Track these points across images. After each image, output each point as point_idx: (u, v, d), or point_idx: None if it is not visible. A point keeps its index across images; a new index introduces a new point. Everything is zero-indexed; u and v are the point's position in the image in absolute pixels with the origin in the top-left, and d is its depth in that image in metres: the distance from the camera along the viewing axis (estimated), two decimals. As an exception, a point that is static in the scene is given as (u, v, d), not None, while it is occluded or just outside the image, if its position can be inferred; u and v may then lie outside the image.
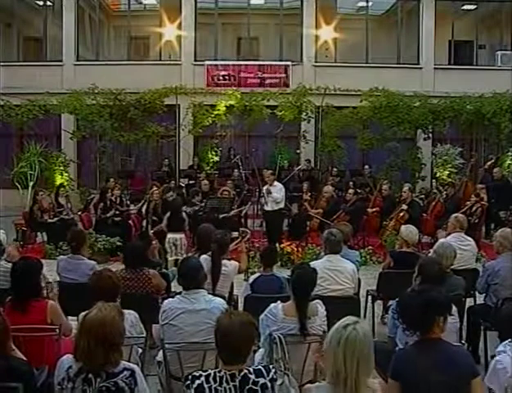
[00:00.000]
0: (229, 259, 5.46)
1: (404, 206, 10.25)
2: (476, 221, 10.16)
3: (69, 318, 4.43)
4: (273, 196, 10.09)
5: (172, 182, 12.57)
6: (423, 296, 3.13)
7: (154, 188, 10.95)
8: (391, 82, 15.05)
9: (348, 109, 15.12)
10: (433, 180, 13.70)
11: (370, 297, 6.27)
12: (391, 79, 15.29)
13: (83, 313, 2.95)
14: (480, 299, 5.77)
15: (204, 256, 5.11)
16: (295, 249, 9.29)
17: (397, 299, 3.75)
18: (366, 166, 14.67)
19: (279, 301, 3.99)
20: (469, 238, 6.48)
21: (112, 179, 12.19)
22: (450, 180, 13.50)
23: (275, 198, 10.10)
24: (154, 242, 6.59)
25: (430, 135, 15.35)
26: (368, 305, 6.24)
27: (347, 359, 2.57)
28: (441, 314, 3.10)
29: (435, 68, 16.91)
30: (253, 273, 5.96)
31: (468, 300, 5.69)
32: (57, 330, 3.90)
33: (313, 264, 5.21)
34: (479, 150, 16.15)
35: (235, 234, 6.53)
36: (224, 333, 2.80)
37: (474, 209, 10.23)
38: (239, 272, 5.59)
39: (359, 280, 5.48)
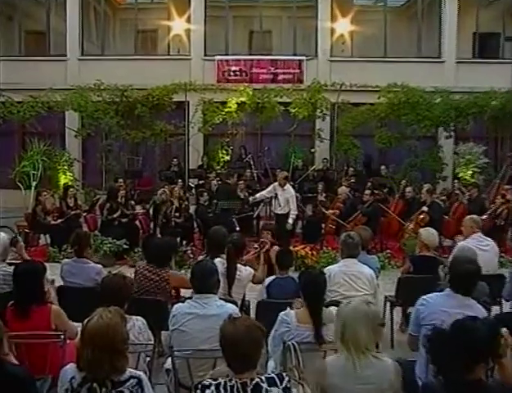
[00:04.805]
0: (244, 265, 5.48)
1: (424, 208, 10.20)
2: (502, 223, 10.10)
3: (74, 324, 4.45)
4: (289, 222, 10.13)
5: (180, 181, 12.57)
6: (462, 336, 2.75)
7: (174, 186, 11.02)
8: (411, 77, 14.97)
9: (364, 106, 15.07)
10: (455, 181, 13.58)
11: (388, 304, 6.24)
12: (411, 74, 15.21)
13: (86, 320, 2.95)
14: (507, 307, 5.71)
15: (218, 259, 5.13)
16: (310, 252, 9.27)
17: (433, 326, 3.46)
18: (383, 167, 14.60)
19: (289, 308, 4.00)
20: (489, 239, 6.43)
21: (121, 180, 12.27)
22: (473, 181, 13.41)
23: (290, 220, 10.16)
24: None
25: (452, 133, 15.23)
26: (386, 312, 6.21)
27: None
28: (484, 360, 2.74)
29: (458, 62, 16.78)
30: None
31: (494, 307, 5.60)
32: (62, 336, 3.92)
33: (329, 268, 5.23)
34: (505, 148, 16.03)
35: (256, 245, 6.56)
36: (230, 341, 2.78)
37: (500, 211, 10.17)
38: (254, 281, 5.58)
39: (378, 285, 5.44)
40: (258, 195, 10.73)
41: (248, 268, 5.45)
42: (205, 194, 11.28)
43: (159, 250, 5.36)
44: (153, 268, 5.19)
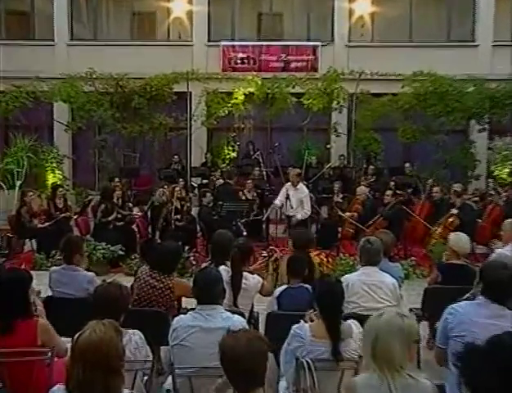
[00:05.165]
0: (251, 273, 5.50)
1: (454, 210, 10.18)
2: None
3: (63, 339, 4.46)
4: (298, 217, 10.15)
5: (182, 181, 12.62)
6: (500, 354, 2.56)
7: (175, 186, 11.08)
8: (439, 64, 14.96)
9: (386, 96, 15.07)
10: (490, 180, 13.53)
11: (413, 317, 6.23)
12: (439, 61, 15.19)
13: (77, 335, 2.93)
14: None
15: (223, 267, 5.16)
16: (325, 259, 9.26)
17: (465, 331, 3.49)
18: (407, 164, 14.57)
19: (302, 321, 4.00)
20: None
21: (117, 179, 12.32)
22: (510, 180, 13.35)
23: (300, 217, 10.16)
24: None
25: (486, 126, 15.17)
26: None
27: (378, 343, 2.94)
28: None
29: (494, 46, 16.62)
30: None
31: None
32: (49, 353, 3.92)
33: (347, 277, 5.24)
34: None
35: (264, 253, 6.58)
36: (231, 357, 2.79)
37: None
38: (263, 293, 5.59)
39: (401, 296, 5.45)
40: (277, 201, 10.70)
41: (256, 276, 5.47)
42: (209, 194, 11.33)
43: (166, 255, 5.39)
44: (157, 275, 5.22)
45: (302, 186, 10.42)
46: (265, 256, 6.35)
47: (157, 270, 5.26)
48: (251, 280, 5.32)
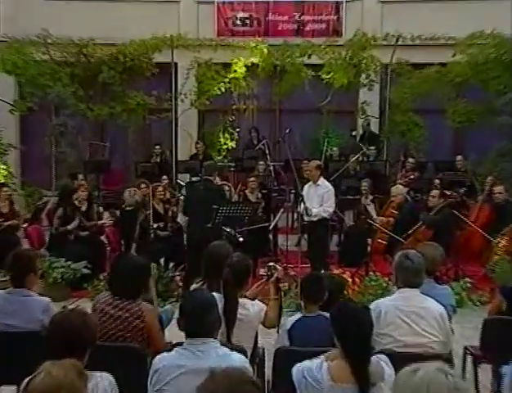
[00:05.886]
0: (251, 299, 5.49)
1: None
2: None
3: (2, 388, 4.45)
4: (313, 212, 10.13)
5: (165, 178, 12.64)
6: None
7: (156, 185, 11.17)
8: (505, 22, 14.85)
9: (432, 67, 15.10)
10: None
11: (469, 358, 6.20)
12: (505, 18, 15.08)
13: (27, 380, 2.92)
14: None
15: (216, 294, 5.13)
16: (350, 279, 9.30)
17: None
18: (459, 157, 14.52)
19: (322, 357, 3.99)
20: None
21: (81, 176, 12.33)
22: None
23: (315, 214, 10.14)
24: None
25: None
26: (467, 370, 6.18)
27: None
28: None
29: None
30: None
31: None
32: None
33: (378, 303, 5.22)
34: None
35: (262, 270, 6.57)
36: None
37: None
38: (266, 324, 5.59)
39: (452, 330, 5.43)
40: (310, 207, 10.59)
41: (257, 303, 5.45)
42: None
43: (127, 274, 5.32)
44: (119, 303, 5.16)
45: (323, 181, 10.41)
46: (264, 275, 6.30)
47: (119, 296, 5.21)
48: (251, 308, 5.29)
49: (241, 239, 9.33)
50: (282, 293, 8.59)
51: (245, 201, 11.69)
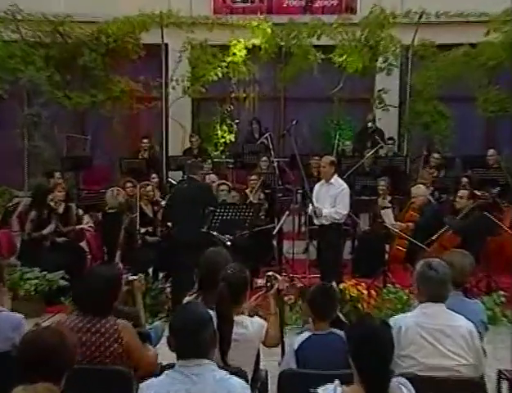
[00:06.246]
0: (251, 315, 5.47)
1: None
2: None
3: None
4: (324, 212, 10.12)
5: (155, 177, 12.64)
6: None
7: (145, 184, 11.25)
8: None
9: (461, 49, 15.04)
10: None
11: (505, 384, 6.12)
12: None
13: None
14: None
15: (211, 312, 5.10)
16: (365, 292, 9.27)
17: None
18: (491, 151, 14.49)
19: (336, 382, 3.97)
20: None
21: (58, 174, 12.32)
22: None
23: (325, 215, 10.13)
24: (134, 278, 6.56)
25: None
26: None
27: None
28: None
29: None
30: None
31: None
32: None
33: (398, 319, 5.18)
34: None
35: (259, 281, 6.46)
36: None
37: None
38: (266, 343, 5.55)
39: (483, 350, 5.41)
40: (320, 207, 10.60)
41: (256, 320, 5.40)
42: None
43: (95, 288, 5.28)
44: (89, 325, 5.11)
45: (337, 179, 10.37)
46: (261, 287, 6.22)
47: (89, 314, 5.14)
48: (250, 326, 5.25)
49: (229, 243, 9.29)
50: (288, 307, 8.72)
51: (246, 202, 11.66)
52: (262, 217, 11.64)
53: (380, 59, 15.28)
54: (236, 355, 5.05)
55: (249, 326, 5.25)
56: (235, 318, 5.15)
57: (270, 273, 6.00)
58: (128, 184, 11.63)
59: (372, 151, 14.46)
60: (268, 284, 5.91)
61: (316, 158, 12.42)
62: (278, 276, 6.03)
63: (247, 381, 4.54)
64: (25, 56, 14.90)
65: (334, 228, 10.26)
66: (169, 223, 10.98)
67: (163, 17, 15.36)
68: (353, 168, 13.56)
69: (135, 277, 6.28)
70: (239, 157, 14.93)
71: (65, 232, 10.75)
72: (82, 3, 15.18)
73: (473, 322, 5.26)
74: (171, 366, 4.13)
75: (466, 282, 6.28)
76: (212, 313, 4.65)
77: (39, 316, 8.79)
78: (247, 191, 12.05)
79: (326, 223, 10.15)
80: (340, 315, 5.97)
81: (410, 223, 11.07)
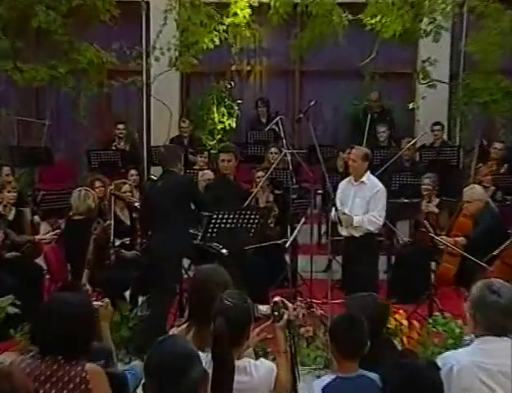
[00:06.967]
0: (256, 354, 5.47)
1: None
2: None
3: None
4: (355, 221, 10.14)
5: (134, 173, 12.69)
6: None
7: (121, 182, 11.29)
8: None
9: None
10: None
11: None
12: None
13: None
14: None
15: (202, 354, 5.07)
16: (405, 322, 9.30)
17: None
18: None
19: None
20: None
21: (6, 169, 12.37)
22: None
23: (356, 224, 10.16)
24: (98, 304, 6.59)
25: None
26: None
27: None
28: None
29: None
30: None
31: None
32: None
33: (449, 357, 5.18)
34: None
35: (264, 309, 6.37)
36: None
37: None
38: (276, 391, 5.47)
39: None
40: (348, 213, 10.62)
41: (262, 363, 5.39)
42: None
43: (56, 324, 5.26)
44: (48, 367, 5.12)
45: (371, 177, 10.41)
46: (265, 315, 6.12)
47: (50, 354, 5.13)
48: (254, 372, 5.25)
49: (224, 250, 9.32)
50: (305, 342, 8.75)
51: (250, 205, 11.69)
52: (272, 225, 11.66)
53: (425, 20, 15.18)
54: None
55: (253, 371, 5.24)
56: (237, 362, 5.07)
57: (277, 299, 5.83)
58: (98, 183, 11.65)
59: (414, 141, 14.50)
60: (276, 313, 5.69)
61: (347, 152, 12.38)
62: (288, 302, 5.92)
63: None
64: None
65: (367, 241, 10.34)
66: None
67: (143, -33, 15.46)
68: (389, 162, 13.59)
69: (99, 303, 6.32)
70: (242, 148, 14.89)
71: (17, 245, 10.78)
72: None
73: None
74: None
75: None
76: (203, 357, 4.66)
77: (-16, 353, 8.84)
78: (252, 191, 12.03)
79: (356, 234, 10.17)
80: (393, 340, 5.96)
81: (463, 239, 10.96)
